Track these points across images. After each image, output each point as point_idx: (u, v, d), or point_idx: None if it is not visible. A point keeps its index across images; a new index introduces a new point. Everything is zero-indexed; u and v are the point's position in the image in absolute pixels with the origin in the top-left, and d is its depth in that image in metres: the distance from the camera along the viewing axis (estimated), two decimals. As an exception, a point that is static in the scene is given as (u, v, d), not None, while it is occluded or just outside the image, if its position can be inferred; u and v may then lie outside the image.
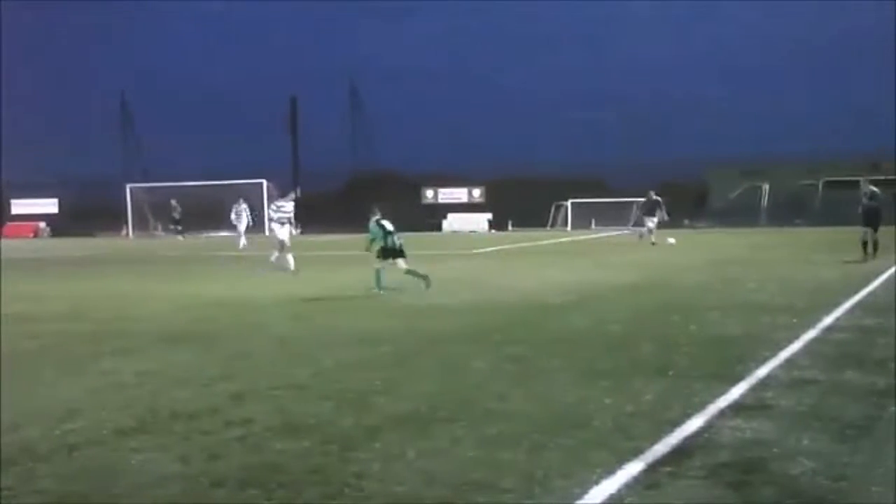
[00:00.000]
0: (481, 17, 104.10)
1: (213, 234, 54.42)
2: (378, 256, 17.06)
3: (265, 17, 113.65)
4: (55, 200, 67.46)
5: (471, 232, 54.93)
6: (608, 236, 45.80)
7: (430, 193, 62.94)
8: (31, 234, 61.91)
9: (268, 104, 79.05)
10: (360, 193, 67.08)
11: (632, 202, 58.19)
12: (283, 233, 22.31)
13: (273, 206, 23.23)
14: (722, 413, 7.13)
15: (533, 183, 62.14)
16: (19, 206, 68.24)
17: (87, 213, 63.27)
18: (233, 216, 40.24)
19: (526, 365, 9.32)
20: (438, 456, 6.08)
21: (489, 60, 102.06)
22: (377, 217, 17.12)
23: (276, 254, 22.48)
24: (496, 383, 8.42)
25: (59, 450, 6.41)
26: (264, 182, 58.32)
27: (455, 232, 54.93)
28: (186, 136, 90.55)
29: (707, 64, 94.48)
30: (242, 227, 39.06)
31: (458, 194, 62.56)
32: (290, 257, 22.00)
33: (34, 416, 7.46)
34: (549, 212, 60.15)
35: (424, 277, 16.91)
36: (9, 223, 64.00)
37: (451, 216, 58.60)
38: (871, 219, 22.67)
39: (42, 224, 63.80)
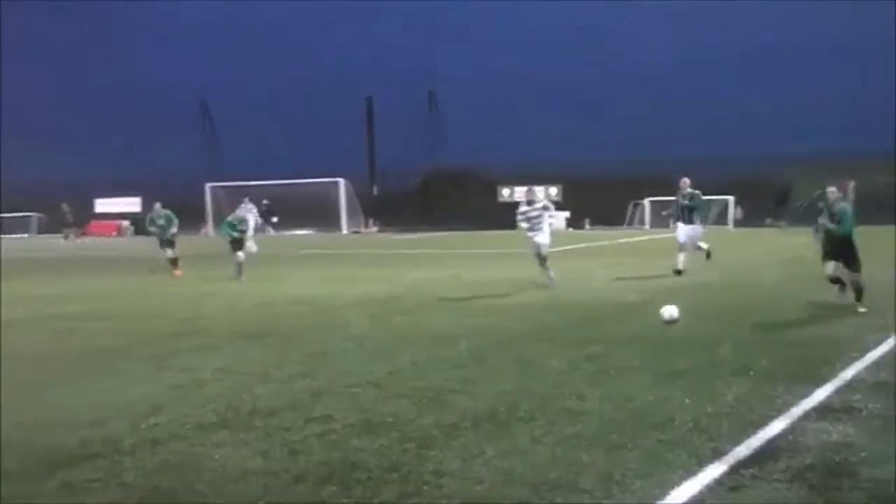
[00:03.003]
0: (554, 16, 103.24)
1: (300, 231, 55.11)
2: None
3: (341, 17, 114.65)
4: (138, 199, 68.76)
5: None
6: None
7: (506, 192, 62.75)
8: (114, 233, 63.36)
9: (344, 104, 79.60)
10: (437, 192, 67.41)
11: (710, 200, 57.21)
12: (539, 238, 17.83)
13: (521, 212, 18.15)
14: (806, 415, 6.99)
15: (610, 181, 61.42)
16: (103, 205, 69.95)
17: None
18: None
19: (603, 364, 9.25)
20: (517, 455, 6.06)
21: (564, 60, 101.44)
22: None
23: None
24: (574, 382, 8.36)
25: (143, 444, 6.55)
26: (341, 181, 58.90)
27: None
28: (264, 134, 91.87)
29: (785, 58, 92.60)
30: (250, 230, 33.83)
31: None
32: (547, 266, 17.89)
33: (119, 410, 7.63)
34: (627, 210, 59.54)
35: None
36: (93, 221, 65.56)
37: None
38: (840, 250, 13.56)
39: (125, 223, 65.12)
